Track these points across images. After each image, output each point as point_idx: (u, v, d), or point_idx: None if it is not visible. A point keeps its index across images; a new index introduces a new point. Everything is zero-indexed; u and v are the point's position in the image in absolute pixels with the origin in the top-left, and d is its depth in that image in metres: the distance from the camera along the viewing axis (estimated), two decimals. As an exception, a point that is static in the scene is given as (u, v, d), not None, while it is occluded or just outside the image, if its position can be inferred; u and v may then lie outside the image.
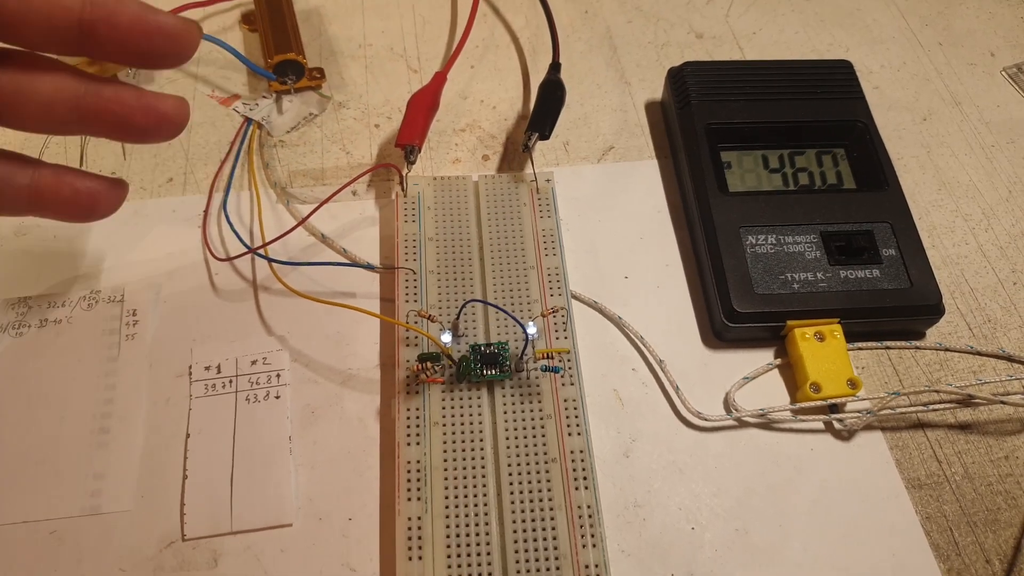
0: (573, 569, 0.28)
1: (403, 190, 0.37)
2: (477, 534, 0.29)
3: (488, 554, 0.29)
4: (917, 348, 0.36)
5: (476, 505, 0.30)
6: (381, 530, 0.31)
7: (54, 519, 0.30)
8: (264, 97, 0.42)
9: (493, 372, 0.32)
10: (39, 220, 0.37)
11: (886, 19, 0.49)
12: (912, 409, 0.34)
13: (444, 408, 0.31)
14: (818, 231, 0.36)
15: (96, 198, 0.28)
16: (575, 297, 0.36)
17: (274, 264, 0.35)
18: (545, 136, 0.38)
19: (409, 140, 0.37)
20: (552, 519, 0.29)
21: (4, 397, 0.33)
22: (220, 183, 0.39)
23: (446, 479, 0.30)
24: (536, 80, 0.44)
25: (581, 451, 0.31)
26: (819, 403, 0.33)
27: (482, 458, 0.31)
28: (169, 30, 0.26)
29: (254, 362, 0.34)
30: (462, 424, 0.31)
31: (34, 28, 0.24)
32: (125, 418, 0.32)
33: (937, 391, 0.34)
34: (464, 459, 0.31)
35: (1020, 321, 0.37)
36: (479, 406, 0.32)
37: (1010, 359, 0.36)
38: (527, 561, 0.29)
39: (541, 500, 0.30)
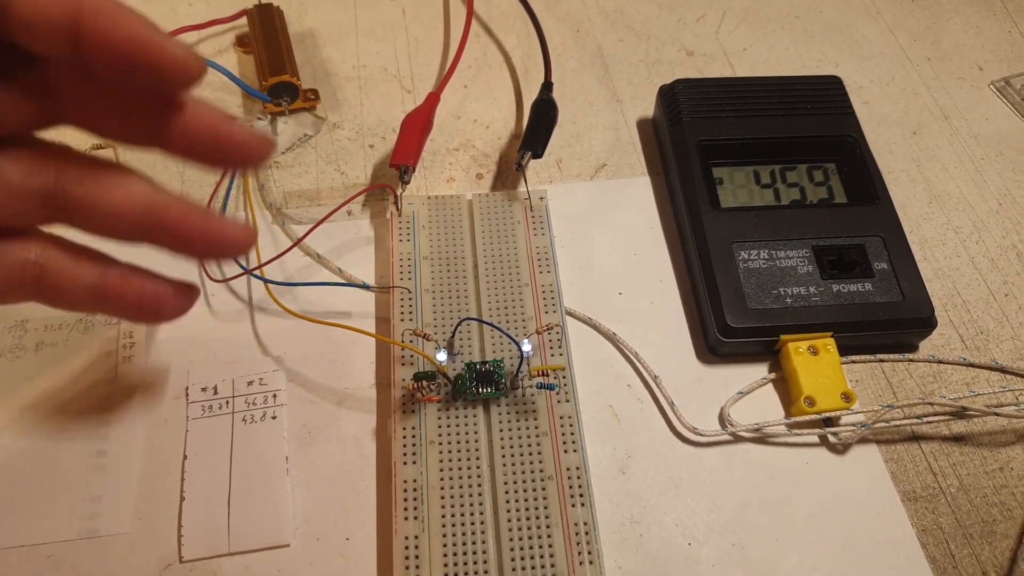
0: (570, 586, 0.29)
1: (398, 210, 0.37)
2: (474, 552, 0.29)
3: (485, 572, 0.29)
4: (910, 361, 0.36)
5: (473, 523, 0.30)
6: (379, 549, 0.31)
7: (51, 543, 0.30)
8: (259, 119, 0.43)
9: (489, 390, 0.32)
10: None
11: (875, 35, 0.49)
12: (906, 422, 0.34)
13: (440, 427, 0.32)
14: (810, 246, 0.37)
15: (161, 303, 0.27)
16: (569, 314, 0.37)
17: (270, 285, 0.35)
18: (538, 155, 0.39)
19: (403, 160, 0.37)
20: (549, 536, 0.29)
21: (1, 421, 0.33)
22: (216, 204, 0.39)
23: (443, 498, 0.30)
24: (529, 99, 0.44)
25: (577, 468, 0.31)
26: (813, 417, 0.33)
27: (478, 476, 0.31)
28: (243, 140, 0.25)
29: (250, 383, 0.34)
30: (458, 442, 0.31)
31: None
32: (122, 440, 0.32)
33: (931, 403, 0.34)
34: (461, 477, 0.31)
35: (1012, 332, 0.37)
36: (475, 424, 0.32)
37: (1003, 370, 0.36)
38: (524, 579, 0.29)
39: (538, 518, 0.30)
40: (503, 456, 0.31)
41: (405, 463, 0.31)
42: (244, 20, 0.46)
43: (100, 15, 0.21)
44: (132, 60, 0.21)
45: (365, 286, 0.37)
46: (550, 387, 0.32)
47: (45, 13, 0.21)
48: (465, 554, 0.29)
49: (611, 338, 0.36)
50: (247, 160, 0.26)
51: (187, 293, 0.28)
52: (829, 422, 0.34)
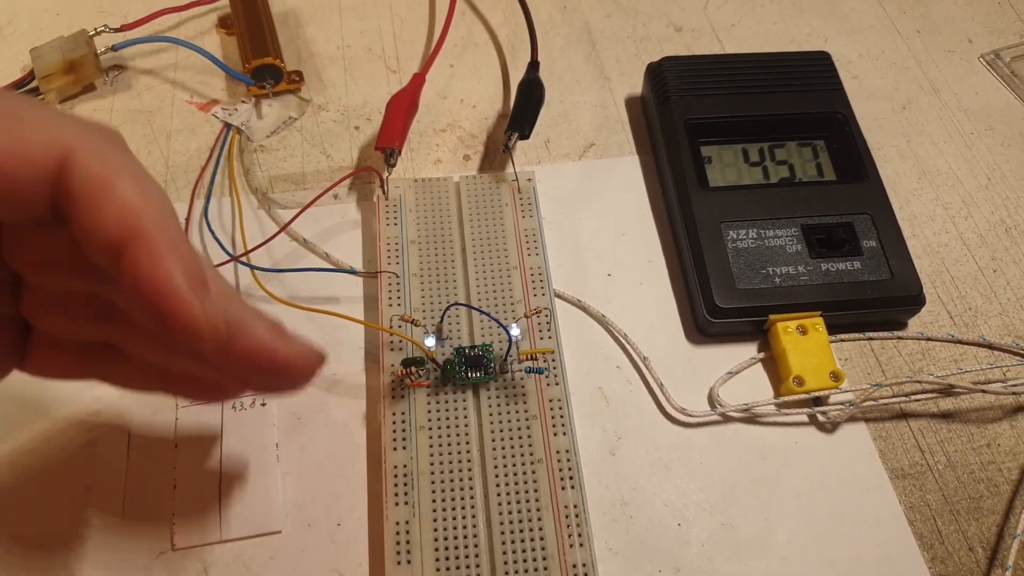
0: (561, 569, 0.29)
1: (384, 193, 0.37)
2: (465, 537, 0.29)
3: (476, 556, 0.29)
4: (899, 338, 0.36)
5: (463, 508, 0.30)
6: (370, 535, 0.31)
7: (43, 533, 0.30)
8: (243, 102, 0.42)
9: (478, 374, 0.32)
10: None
11: (864, 7, 0.49)
12: (895, 400, 0.34)
13: (430, 412, 0.32)
14: (799, 224, 0.37)
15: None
16: (558, 296, 0.36)
17: (256, 271, 0.35)
18: (525, 136, 0.38)
19: (388, 143, 0.37)
20: (539, 519, 0.30)
21: (-11, 412, 0.33)
22: (201, 190, 0.39)
23: (433, 483, 0.30)
24: (516, 77, 0.44)
25: (567, 451, 0.31)
26: (802, 396, 0.34)
27: (468, 461, 0.31)
28: (289, 363, 0.24)
29: (239, 370, 0.34)
30: (448, 427, 0.31)
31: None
32: (113, 430, 0.32)
33: (919, 381, 0.34)
34: (450, 462, 0.31)
35: (1000, 309, 0.37)
36: (464, 409, 0.32)
37: (991, 347, 0.36)
38: (515, 562, 0.29)
39: (528, 501, 0.30)
40: (493, 440, 0.31)
41: (395, 449, 0.31)
42: (226, 0, 0.45)
43: (146, 251, 0.19)
44: (148, 305, 0.19)
45: (352, 271, 0.36)
46: (539, 371, 0.32)
47: (101, 231, 0.19)
48: (456, 538, 0.29)
49: (600, 320, 0.36)
50: (293, 385, 0.25)
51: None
52: (818, 401, 0.34)
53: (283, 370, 0.24)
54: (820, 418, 0.34)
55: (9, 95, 0.21)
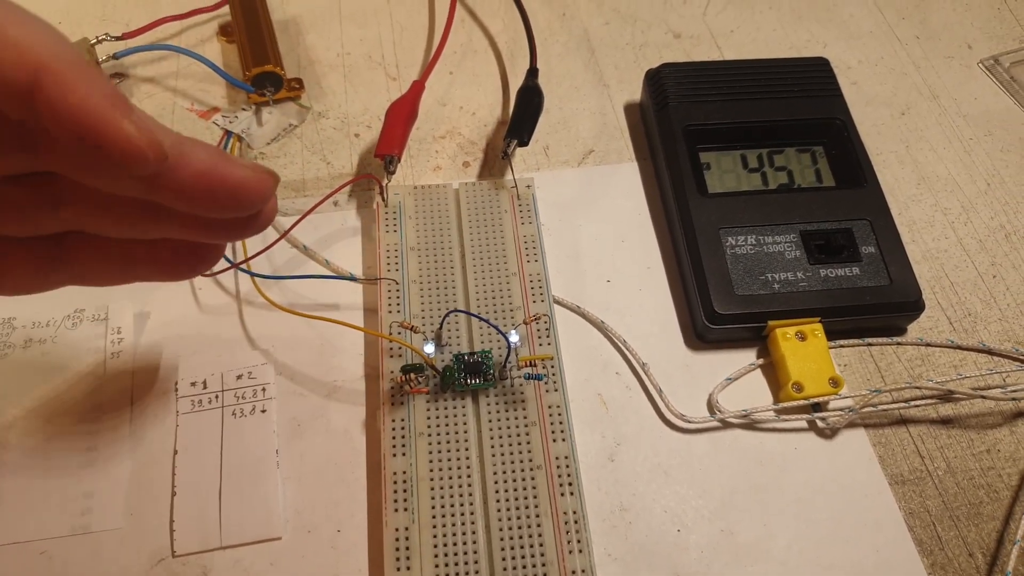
0: (560, 575, 0.29)
1: (384, 200, 0.37)
2: (464, 543, 0.29)
3: (475, 563, 0.29)
4: (899, 344, 0.36)
5: (463, 514, 0.30)
6: (369, 541, 0.31)
7: (44, 539, 0.30)
8: (243, 109, 0.42)
9: (477, 381, 0.32)
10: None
11: (863, 13, 0.49)
12: (894, 406, 0.34)
13: (429, 418, 0.32)
14: (798, 230, 0.37)
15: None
16: (557, 302, 0.37)
17: (257, 279, 0.35)
18: (524, 143, 0.38)
19: (388, 150, 0.37)
20: (538, 526, 0.30)
21: (-10, 419, 0.33)
22: (201, 197, 0.39)
23: (432, 489, 0.30)
24: (515, 84, 0.44)
25: (566, 457, 0.31)
26: (802, 402, 0.34)
27: (468, 467, 0.31)
28: (240, 183, 0.23)
29: (239, 377, 0.34)
30: (447, 434, 0.31)
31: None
32: (112, 436, 0.33)
33: (919, 387, 0.34)
34: (450, 468, 0.31)
35: (1000, 314, 0.37)
36: (464, 415, 0.32)
37: (990, 352, 0.36)
38: (514, 568, 0.29)
39: (527, 507, 0.30)
40: (492, 447, 0.31)
41: (395, 455, 0.31)
42: (227, 8, 0.45)
43: (55, 83, 0.19)
44: (78, 138, 0.19)
45: (352, 278, 0.37)
46: (538, 377, 0.32)
47: (3, 74, 0.19)
48: (455, 545, 0.29)
49: (599, 326, 0.36)
50: (251, 207, 0.24)
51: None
52: (817, 407, 0.34)
53: (237, 191, 0.23)
54: (819, 424, 0.34)
55: None
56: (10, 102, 0.20)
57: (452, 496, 0.30)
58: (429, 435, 0.31)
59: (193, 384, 0.34)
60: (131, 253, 0.26)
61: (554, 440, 0.31)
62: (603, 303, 0.37)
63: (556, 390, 0.32)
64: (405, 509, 0.30)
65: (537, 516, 0.30)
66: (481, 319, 0.33)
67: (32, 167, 0.23)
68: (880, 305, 0.35)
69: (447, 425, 0.32)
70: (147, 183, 0.22)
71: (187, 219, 0.24)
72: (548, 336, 0.34)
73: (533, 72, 0.42)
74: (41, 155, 0.22)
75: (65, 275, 0.26)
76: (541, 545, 0.29)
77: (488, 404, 0.32)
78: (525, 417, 0.32)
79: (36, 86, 0.19)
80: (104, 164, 0.20)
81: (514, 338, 0.32)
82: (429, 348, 0.32)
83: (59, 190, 0.24)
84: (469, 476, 0.31)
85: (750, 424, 0.34)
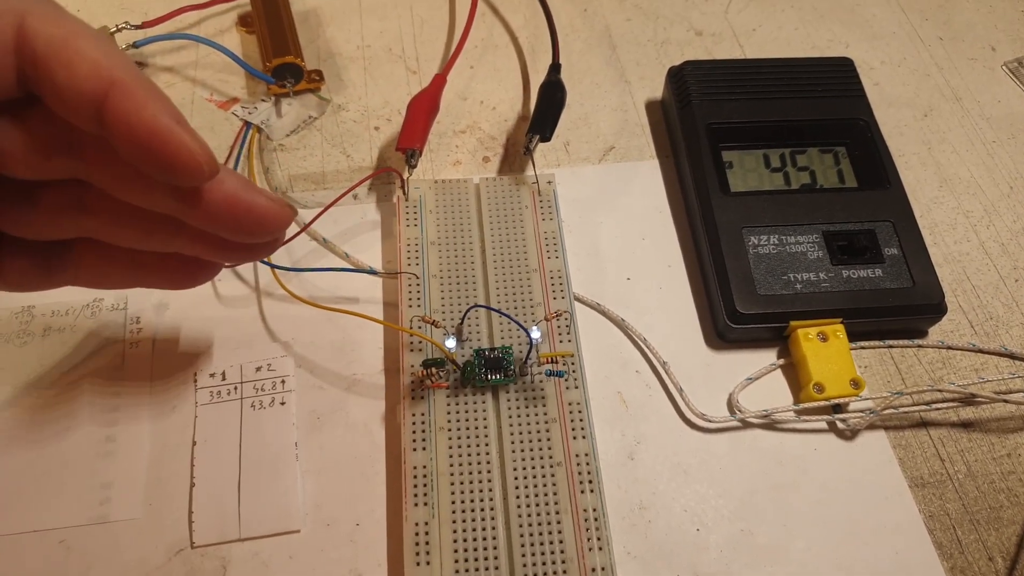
0: (580, 572, 0.29)
1: (404, 194, 0.37)
2: (484, 539, 0.29)
3: (495, 558, 0.29)
4: (920, 347, 0.36)
5: (483, 510, 0.30)
6: (388, 535, 0.31)
7: (63, 528, 0.30)
8: (263, 100, 0.42)
9: (497, 377, 0.32)
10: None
11: (886, 14, 0.49)
12: (915, 408, 0.34)
13: (449, 413, 0.32)
14: (820, 231, 0.36)
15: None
16: (578, 299, 0.36)
17: (277, 270, 0.35)
18: (546, 138, 0.38)
19: (410, 144, 0.37)
20: (558, 522, 0.30)
21: (9, 408, 0.33)
22: (221, 188, 0.39)
23: (452, 484, 0.30)
24: (536, 79, 0.44)
25: (586, 454, 0.31)
26: (822, 403, 0.33)
27: (488, 463, 0.31)
28: (263, 212, 0.25)
29: (259, 369, 0.34)
30: (467, 429, 0.31)
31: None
32: (131, 426, 0.33)
33: (940, 390, 0.34)
34: (470, 464, 0.31)
35: (1022, 318, 0.37)
36: (484, 411, 0.32)
37: (1012, 356, 0.36)
38: (534, 565, 0.29)
39: (547, 504, 0.30)
40: (512, 443, 0.31)
41: (415, 449, 0.31)
42: (247, -1, 0.45)
43: (128, 98, 0.21)
44: (146, 149, 0.21)
45: (372, 271, 0.36)
46: (559, 374, 0.32)
47: (77, 87, 0.20)
48: (475, 540, 0.29)
49: (619, 324, 0.36)
50: (268, 235, 0.25)
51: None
52: (838, 408, 0.34)
53: (259, 219, 0.24)
54: (840, 425, 0.34)
55: None
56: (80, 111, 0.21)
57: (472, 491, 0.30)
58: (449, 430, 0.31)
59: (212, 375, 0.34)
60: (139, 261, 0.27)
61: (574, 437, 0.31)
62: (623, 301, 0.37)
63: (576, 387, 0.32)
64: (425, 504, 0.30)
65: (557, 513, 0.30)
66: (504, 315, 0.33)
67: (73, 173, 0.24)
68: (902, 307, 0.35)
69: (467, 420, 0.31)
70: (181, 199, 0.23)
71: (202, 237, 0.26)
72: (568, 333, 0.34)
73: (556, 67, 0.42)
74: (87, 163, 0.23)
75: (69, 276, 0.27)
76: (561, 542, 0.29)
77: (508, 400, 0.32)
78: (545, 414, 0.32)
79: (107, 98, 0.20)
80: (164, 174, 0.22)
81: (536, 334, 0.32)
82: (450, 343, 0.32)
83: (88, 198, 0.25)
84: (489, 472, 0.31)
85: (770, 424, 0.34)
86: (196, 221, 0.24)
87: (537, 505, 0.30)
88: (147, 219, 0.25)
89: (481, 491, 0.30)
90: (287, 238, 0.35)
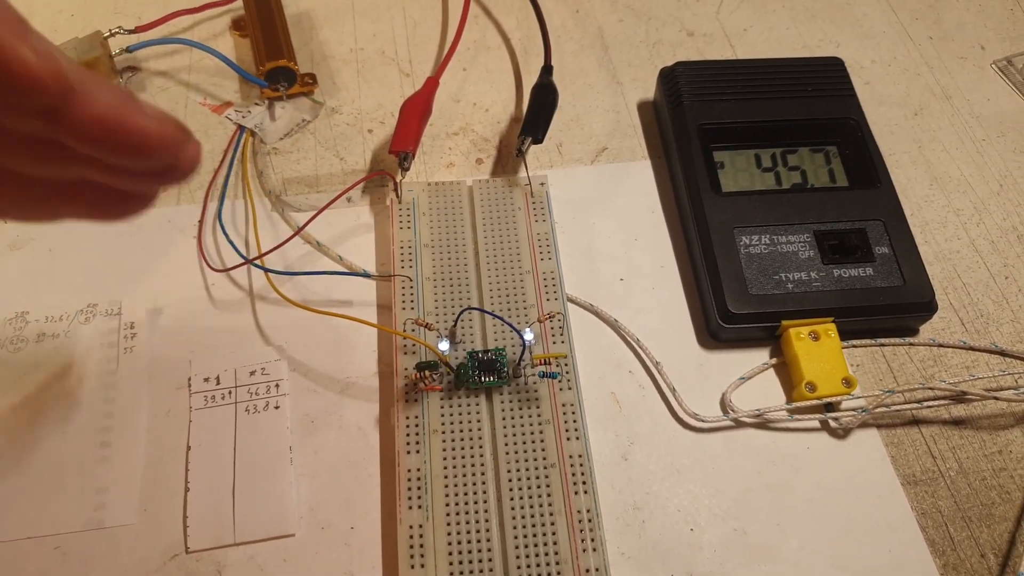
0: (574, 573, 0.29)
1: (397, 196, 0.37)
2: (478, 541, 0.29)
3: (489, 560, 0.29)
4: (911, 345, 0.36)
5: (477, 512, 0.30)
6: (383, 538, 0.31)
7: (58, 534, 0.30)
8: (256, 104, 0.42)
9: (491, 379, 0.32)
10: (33, 233, 0.38)
11: (876, 13, 0.49)
12: (907, 406, 0.34)
13: (443, 416, 0.32)
14: (811, 230, 0.37)
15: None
16: (571, 300, 0.37)
17: (270, 274, 0.35)
18: (539, 140, 0.38)
19: (403, 147, 0.37)
20: (552, 524, 0.30)
21: (4, 413, 0.33)
22: (215, 192, 0.39)
23: (446, 487, 0.30)
24: (528, 81, 0.44)
25: (580, 455, 0.31)
26: (814, 402, 0.34)
27: (482, 465, 0.31)
28: (141, 132, 0.22)
29: (253, 373, 0.34)
30: (461, 431, 0.31)
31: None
32: (126, 432, 0.33)
33: (931, 388, 0.34)
34: (464, 466, 0.31)
35: (1012, 315, 0.37)
36: (478, 413, 0.32)
37: (1003, 353, 0.36)
38: (528, 567, 0.29)
39: (541, 505, 0.30)
40: (506, 444, 0.31)
41: (408, 452, 0.31)
42: (240, 3, 0.45)
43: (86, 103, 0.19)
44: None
45: (366, 274, 0.37)
46: (552, 375, 0.32)
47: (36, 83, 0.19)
48: (469, 542, 0.29)
49: (613, 324, 0.36)
50: (157, 160, 0.23)
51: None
52: (830, 407, 0.34)
53: (139, 140, 0.22)
54: (832, 424, 0.34)
55: None
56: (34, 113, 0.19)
57: (466, 494, 0.30)
58: (443, 432, 0.31)
59: (206, 380, 0.34)
60: (52, 190, 0.25)
61: (568, 438, 0.31)
62: (616, 302, 0.37)
63: (570, 388, 0.32)
64: (419, 507, 0.30)
65: (551, 514, 0.30)
66: (497, 317, 0.33)
67: None
68: (893, 306, 0.35)
69: (461, 423, 0.32)
70: (48, 119, 0.21)
71: (97, 162, 0.23)
72: (562, 334, 0.34)
73: (548, 69, 0.42)
74: None
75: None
76: (555, 543, 0.29)
77: (502, 402, 0.32)
78: (539, 415, 0.32)
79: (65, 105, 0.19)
80: (4, 92, 0.20)
81: (529, 336, 0.32)
82: (443, 345, 0.32)
83: None
84: (483, 474, 0.31)
85: (763, 424, 0.34)
86: (71, 143, 0.22)
87: (531, 507, 0.30)
88: (32, 143, 0.23)
89: (475, 493, 0.30)
90: (282, 241, 0.35)
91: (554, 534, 0.29)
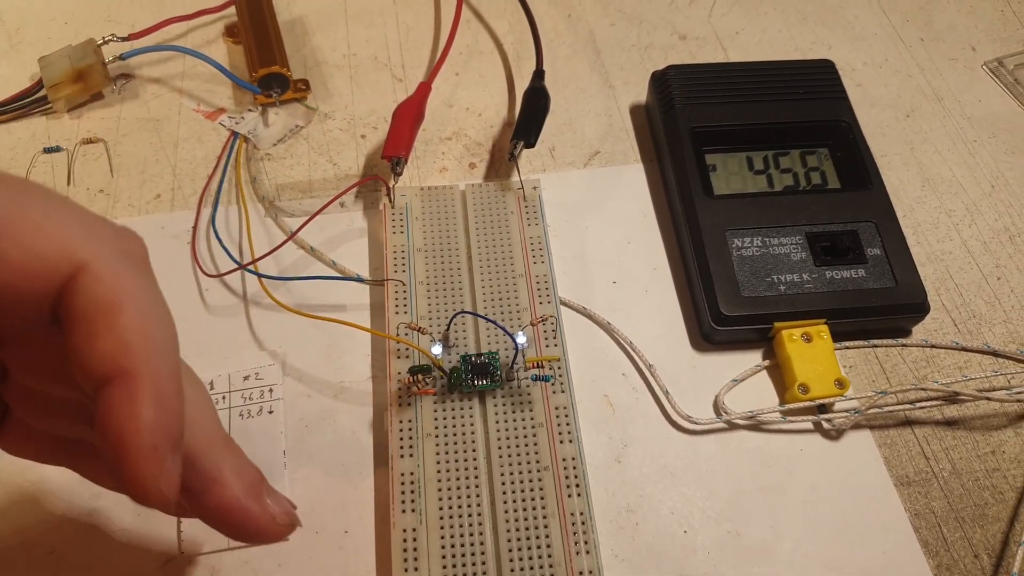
0: (567, 576, 0.29)
1: (390, 201, 0.37)
2: (472, 544, 0.29)
3: (483, 564, 0.29)
4: (904, 346, 0.36)
5: (470, 515, 0.30)
6: (377, 542, 0.31)
7: (52, 539, 0.30)
8: (250, 110, 0.42)
9: (484, 382, 0.32)
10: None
11: (868, 15, 0.49)
12: (899, 407, 0.34)
13: (436, 419, 0.32)
14: (803, 232, 0.37)
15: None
16: (564, 304, 0.37)
17: (264, 279, 0.35)
18: (531, 144, 0.38)
19: (395, 152, 0.37)
20: (546, 527, 0.30)
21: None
22: (208, 198, 0.39)
23: (440, 490, 0.30)
24: (521, 85, 0.44)
25: (573, 458, 0.31)
26: (807, 404, 0.34)
27: (475, 468, 0.31)
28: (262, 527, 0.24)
29: (247, 378, 0.34)
30: (454, 435, 0.31)
31: None
32: (120, 437, 0.33)
33: (924, 389, 0.34)
34: (457, 470, 0.31)
35: (1004, 316, 0.37)
36: (471, 416, 0.32)
37: (995, 354, 0.36)
38: (522, 570, 0.29)
39: (534, 508, 0.30)
40: (499, 448, 0.31)
41: (402, 456, 0.31)
42: (233, 9, 0.45)
43: (125, 399, 0.18)
44: (111, 457, 0.18)
45: (359, 279, 0.37)
46: (545, 378, 0.32)
47: (84, 361, 0.18)
48: (463, 546, 0.29)
49: (606, 327, 0.36)
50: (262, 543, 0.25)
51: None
52: (823, 408, 0.34)
53: (252, 532, 0.24)
54: (825, 426, 0.34)
55: (26, 188, 0.19)
56: (86, 384, 0.18)
57: (460, 497, 0.30)
58: (436, 436, 0.31)
59: (200, 385, 0.34)
60: (63, 444, 0.25)
61: (561, 441, 0.31)
62: (609, 305, 0.37)
63: (563, 391, 0.33)
64: (413, 510, 0.30)
65: (544, 517, 0.30)
66: (489, 320, 0.33)
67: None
68: (886, 307, 0.35)
69: (454, 426, 0.32)
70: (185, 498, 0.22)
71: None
72: (555, 337, 0.34)
73: (539, 74, 0.42)
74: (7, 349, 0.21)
75: (75, 467, 0.25)
76: (549, 546, 0.29)
77: (495, 405, 0.32)
78: (532, 418, 0.32)
79: (108, 384, 0.18)
80: (112, 471, 0.19)
81: (521, 339, 0.32)
82: (436, 349, 0.32)
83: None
84: (476, 477, 0.31)
85: (756, 425, 0.34)
86: (201, 517, 0.23)
87: (524, 510, 0.30)
88: (67, 408, 0.23)
89: (469, 497, 0.30)
90: (275, 247, 0.35)
91: (547, 537, 0.30)
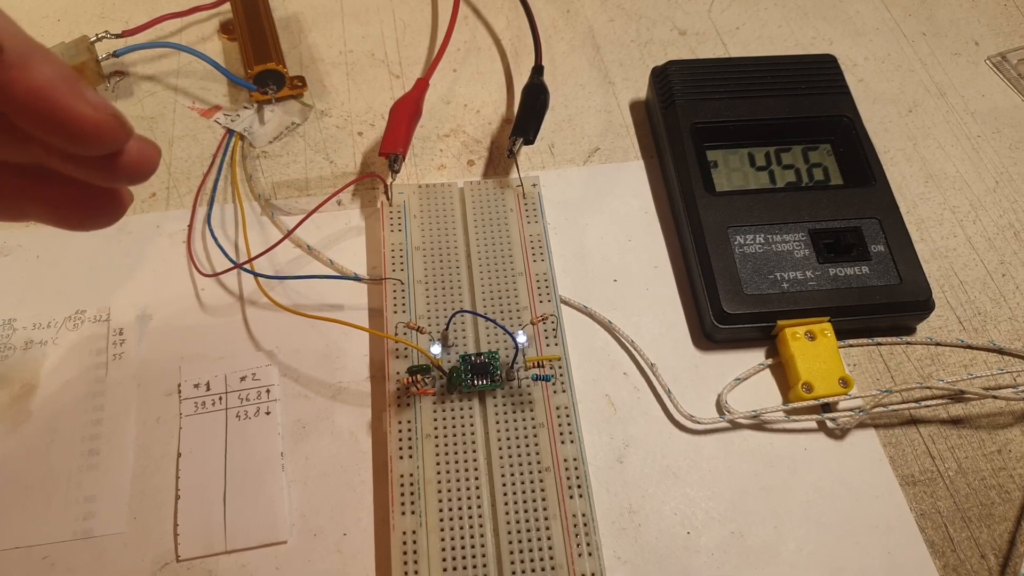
0: (569, 579, 0.28)
1: (388, 199, 0.37)
2: (472, 546, 0.29)
3: (484, 566, 0.29)
4: (908, 344, 0.36)
5: (470, 517, 0.30)
6: (376, 545, 0.30)
7: (46, 544, 0.30)
8: (245, 108, 0.42)
9: (484, 382, 0.32)
10: (20, 239, 0.37)
11: (869, 10, 0.49)
12: (904, 406, 0.34)
13: (436, 420, 0.31)
14: (806, 229, 0.36)
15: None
16: (564, 302, 0.36)
17: (260, 279, 0.35)
18: (530, 141, 0.38)
19: (392, 149, 0.37)
20: (547, 528, 0.29)
21: (-9, 422, 0.32)
22: (204, 196, 0.39)
23: (439, 491, 0.30)
24: (519, 82, 0.43)
25: (574, 459, 0.31)
26: (811, 403, 0.33)
27: (475, 469, 0.30)
28: (77, 116, 0.21)
29: (243, 378, 0.34)
30: (454, 435, 0.31)
31: None
32: (115, 439, 0.32)
33: (929, 387, 0.34)
34: (457, 471, 0.30)
35: (1010, 313, 0.37)
36: (471, 417, 0.31)
37: (1001, 352, 0.36)
38: (523, 572, 0.29)
39: (536, 510, 0.30)
40: (500, 448, 0.31)
41: (401, 457, 0.30)
42: (227, 6, 0.45)
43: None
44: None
45: (357, 278, 0.36)
46: (546, 378, 0.32)
47: None
48: (463, 548, 0.29)
49: (607, 326, 0.36)
50: (84, 139, 0.22)
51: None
52: (827, 408, 0.34)
53: (73, 123, 0.21)
54: (829, 425, 0.33)
55: None
56: None
57: (460, 499, 0.30)
58: (436, 437, 0.31)
59: (196, 386, 0.33)
60: (18, 187, 0.24)
61: (562, 442, 0.31)
62: (610, 303, 0.36)
63: (564, 391, 0.32)
64: (412, 512, 0.29)
65: (546, 519, 0.30)
66: (488, 319, 0.33)
67: None
68: (890, 304, 0.35)
69: (454, 427, 0.31)
70: None
71: (49, 147, 0.22)
72: (555, 336, 0.34)
73: (538, 69, 0.42)
74: None
75: None
76: (550, 548, 0.29)
77: (495, 405, 0.32)
78: (533, 419, 0.31)
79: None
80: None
81: (521, 339, 0.31)
82: (435, 349, 0.32)
83: None
84: (477, 478, 0.30)
85: (759, 425, 0.34)
86: (11, 115, 0.22)
87: (525, 511, 0.30)
88: None
89: (469, 498, 0.30)
90: (271, 245, 0.35)
91: (549, 538, 0.29)
